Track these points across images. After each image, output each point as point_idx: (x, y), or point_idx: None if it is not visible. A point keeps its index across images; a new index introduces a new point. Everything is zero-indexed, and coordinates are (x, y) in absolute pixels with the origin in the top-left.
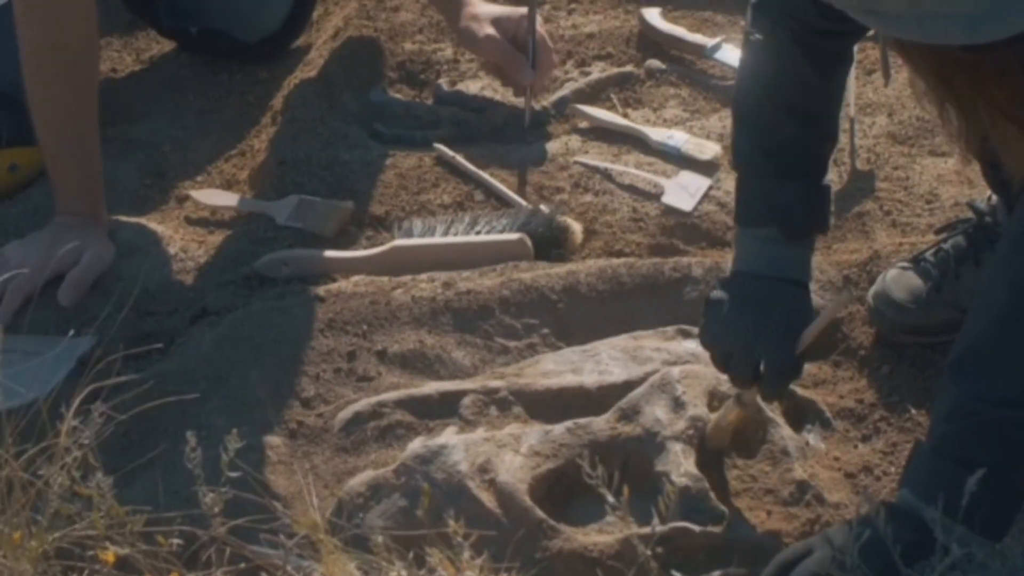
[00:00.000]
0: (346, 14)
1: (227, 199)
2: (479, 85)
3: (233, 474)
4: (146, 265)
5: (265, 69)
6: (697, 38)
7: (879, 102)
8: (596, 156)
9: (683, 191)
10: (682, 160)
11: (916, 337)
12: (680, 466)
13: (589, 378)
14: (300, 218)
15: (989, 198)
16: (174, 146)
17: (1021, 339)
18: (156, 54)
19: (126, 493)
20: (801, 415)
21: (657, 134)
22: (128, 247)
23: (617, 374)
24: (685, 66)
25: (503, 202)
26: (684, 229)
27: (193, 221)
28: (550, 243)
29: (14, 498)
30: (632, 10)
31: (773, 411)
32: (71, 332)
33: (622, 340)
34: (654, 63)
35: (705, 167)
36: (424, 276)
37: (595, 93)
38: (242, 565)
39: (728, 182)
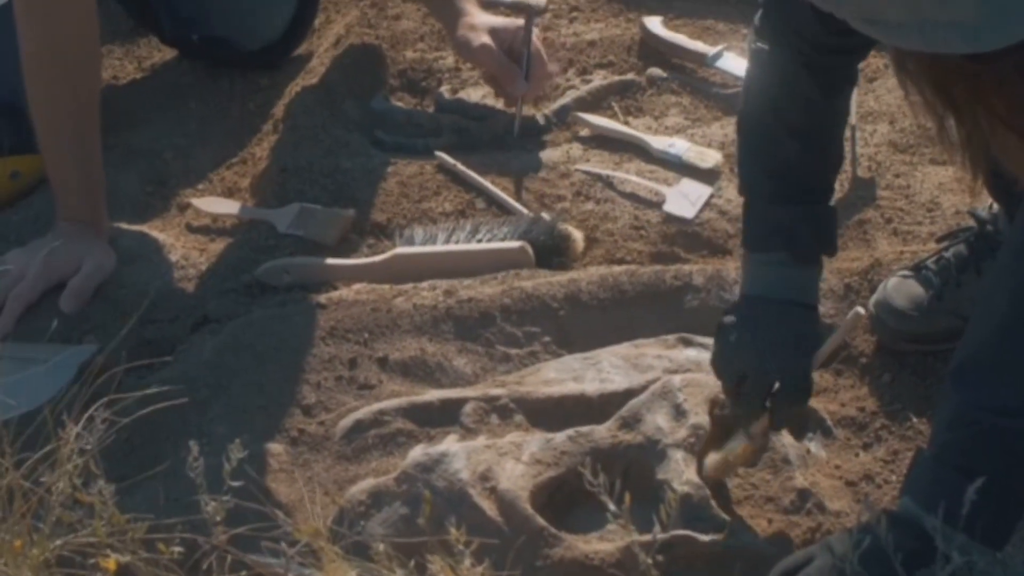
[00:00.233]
0: (348, 22)
1: (228, 207)
2: (480, 93)
3: (235, 483)
4: (147, 273)
5: (267, 77)
6: (698, 46)
7: (880, 110)
8: (597, 164)
9: (684, 199)
10: (683, 168)
11: (917, 345)
12: (681, 474)
13: (590, 386)
14: (301, 226)
15: (990, 206)
16: (175, 153)
17: (1022, 348)
18: (158, 62)
19: (127, 501)
20: (803, 424)
21: (658, 142)
22: (129, 255)
23: (618, 382)
24: (686, 74)
25: (504, 210)
26: (685, 237)
27: (194, 229)
28: (551, 251)
29: (15, 506)
30: (633, 18)
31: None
32: (73, 340)
33: (623, 348)
34: (655, 71)
35: (706, 175)
36: (425, 284)
37: (596, 101)
38: (243, 573)
39: (729, 190)
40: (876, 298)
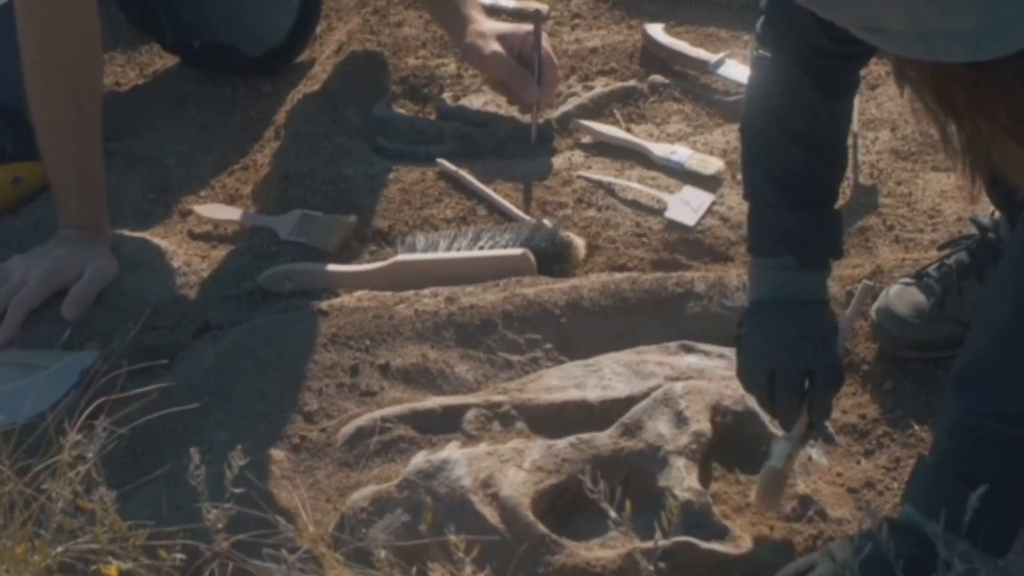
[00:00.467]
0: (350, 29)
1: (230, 213)
2: (482, 100)
3: (237, 490)
4: (149, 279)
5: (268, 83)
6: (700, 53)
7: (882, 117)
8: (599, 171)
9: (686, 206)
10: (685, 175)
11: (919, 352)
12: (683, 481)
13: (592, 393)
14: (303, 232)
15: (992, 214)
16: (177, 160)
17: None
18: (159, 68)
19: (129, 507)
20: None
21: (660, 149)
22: (131, 261)
23: (620, 389)
24: (688, 81)
25: (506, 217)
26: (687, 244)
27: (196, 235)
28: (553, 258)
29: (17, 512)
30: (635, 25)
31: (775, 426)
32: (74, 346)
33: (625, 355)
34: (657, 78)
35: (708, 182)
36: (427, 291)
37: (598, 108)
38: None
39: (731, 197)
40: (878, 305)
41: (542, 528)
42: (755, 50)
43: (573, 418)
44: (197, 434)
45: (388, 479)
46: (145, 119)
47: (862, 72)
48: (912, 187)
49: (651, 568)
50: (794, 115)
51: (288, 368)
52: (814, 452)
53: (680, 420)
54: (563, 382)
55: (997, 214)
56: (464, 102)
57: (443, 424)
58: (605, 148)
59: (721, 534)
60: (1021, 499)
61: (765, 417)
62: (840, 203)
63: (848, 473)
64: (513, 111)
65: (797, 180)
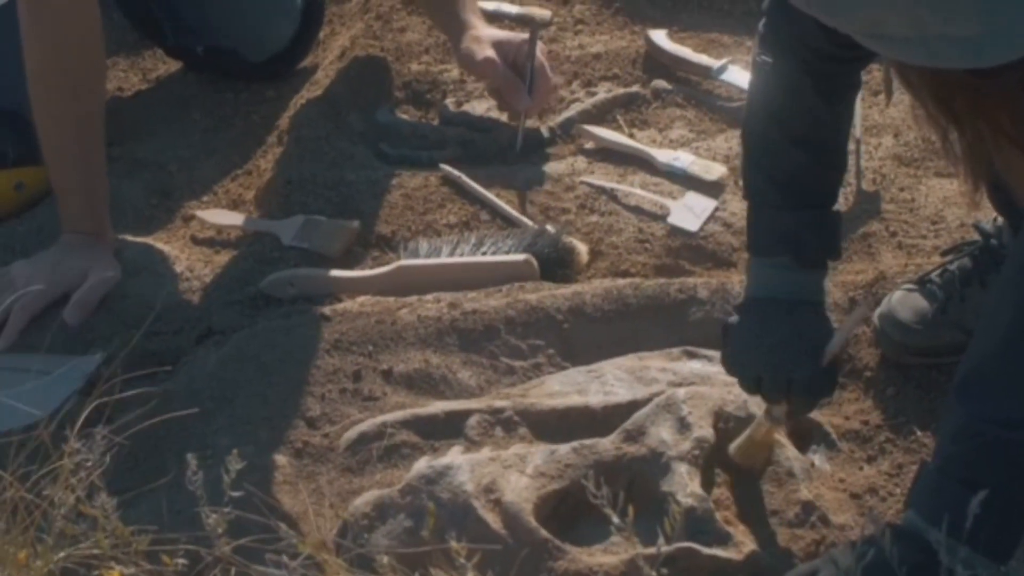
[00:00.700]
0: (353, 34)
1: (233, 219)
2: (485, 105)
3: (235, 493)
4: (152, 284)
5: (271, 89)
6: (703, 59)
7: (885, 123)
8: (602, 177)
9: (689, 212)
10: (688, 181)
11: (922, 358)
12: (685, 487)
13: (594, 399)
14: (306, 238)
15: (995, 220)
16: (180, 165)
17: None
18: (162, 73)
19: (131, 512)
20: (806, 436)
21: (663, 155)
22: (134, 266)
23: (622, 395)
24: (691, 87)
25: (509, 222)
26: (690, 250)
27: (199, 240)
28: (556, 264)
29: (19, 518)
30: (638, 31)
31: (780, 433)
32: (77, 351)
33: (627, 361)
34: (660, 84)
35: (711, 188)
36: (430, 296)
37: (601, 114)
38: None
39: (734, 203)
40: (881, 311)
41: (544, 534)
42: (757, 55)
43: (576, 424)
44: (199, 439)
45: (390, 484)
46: (148, 124)
47: (865, 78)
48: (915, 193)
49: (654, 574)
50: (795, 117)
51: (291, 373)
52: (817, 458)
53: (683, 426)
54: (566, 388)
55: (1000, 220)
56: (467, 107)
57: (446, 429)
58: (608, 154)
59: (723, 540)
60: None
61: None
62: (843, 209)
63: (851, 479)
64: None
65: (798, 182)
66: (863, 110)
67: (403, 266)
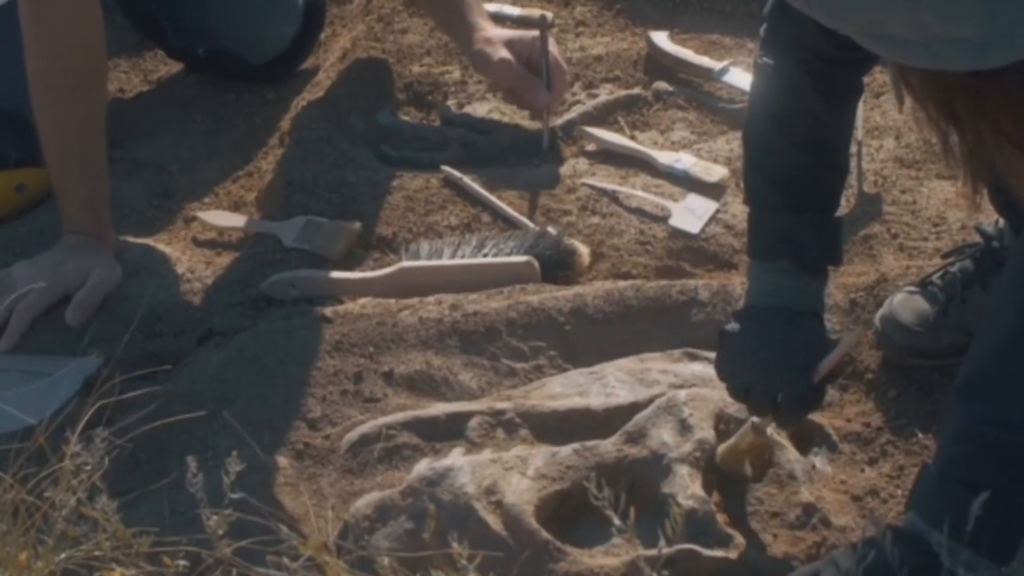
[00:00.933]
0: (354, 35)
1: (234, 220)
2: (487, 107)
3: (235, 495)
4: (153, 286)
5: (273, 90)
6: (705, 61)
7: (886, 125)
8: (603, 178)
9: (690, 214)
10: (689, 183)
11: (923, 360)
12: (687, 488)
13: (596, 400)
14: (307, 239)
15: (996, 222)
16: (181, 167)
17: None
18: (164, 75)
19: (132, 514)
20: (808, 438)
21: (664, 157)
22: (135, 268)
23: (624, 396)
24: (693, 89)
25: (510, 224)
26: (691, 252)
27: (200, 242)
28: (557, 265)
29: (20, 519)
30: (640, 33)
31: (780, 434)
32: (78, 352)
33: (629, 362)
34: (662, 85)
35: (712, 190)
36: (431, 298)
37: (603, 115)
38: None
39: (735, 205)
40: (882, 313)
41: (546, 535)
42: (759, 57)
43: (577, 425)
44: (200, 441)
45: (392, 486)
46: (149, 125)
47: (866, 80)
48: (916, 195)
49: (654, 575)
50: (796, 119)
51: (292, 375)
52: (818, 460)
53: (684, 428)
54: (567, 389)
55: (1001, 222)
56: (468, 109)
57: (447, 431)
58: (609, 156)
59: (724, 542)
60: None
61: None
62: (844, 211)
63: (852, 481)
64: (518, 118)
65: (799, 184)
66: (864, 112)
67: (404, 268)
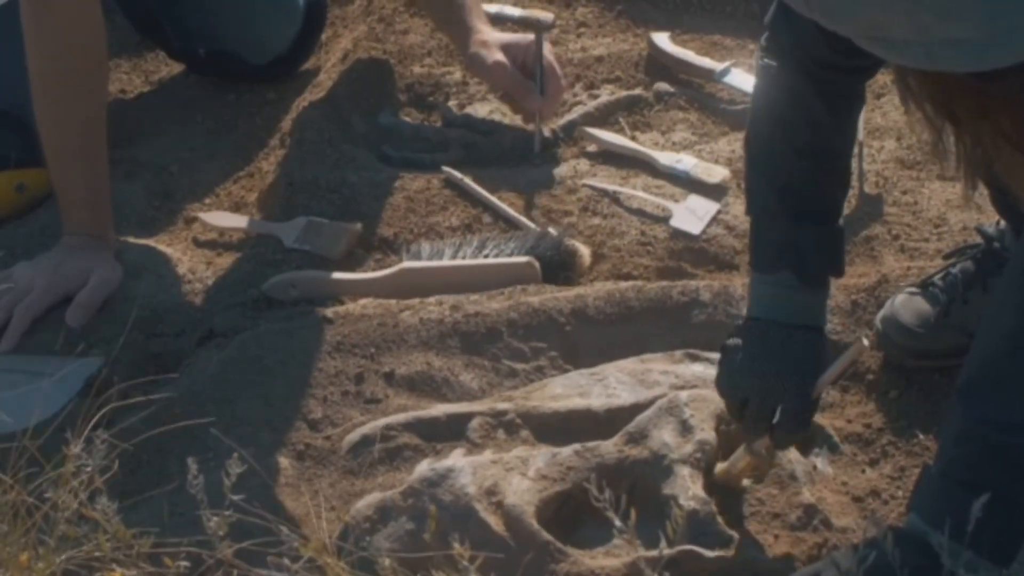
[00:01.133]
0: (355, 36)
1: (235, 221)
2: (488, 108)
3: (236, 497)
4: (154, 287)
5: (274, 91)
6: (706, 62)
7: (887, 126)
8: (604, 179)
9: (691, 215)
10: (690, 184)
11: (924, 361)
12: (688, 489)
13: (597, 401)
14: (308, 240)
15: (997, 223)
16: (182, 167)
17: None
18: (165, 76)
19: (133, 515)
20: (809, 439)
21: (665, 158)
22: (136, 268)
23: (625, 397)
24: (694, 90)
25: (511, 225)
26: (692, 253)
27: (201, 243)
28: (558, 266)
29: (20, 520)
30: (641, 34)
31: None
32: (78, 353)
33: (630, 363)
34: (663, 86)
35: (713, 191)
36: (432, 299)
37: (604, 116)
38: None
39: (736, 206)
40: (883, 314)
41: (546, 536)
42: (761, 62)
43: (578, 426)
44: (201, 442)
45: (392, 487)
46: (150, 126)
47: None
48: (917, 196)
49: None
50: (799, 129)
51: (292, 376)
52: (819, 461)
53: (685, 429)
54: (568, 390)
55: (1002, 223)
56: (469, 110)
57: (448, 432)
58: (610, 156)
59: (725, 543)
60: None
61: None
62: (845, 212)
63: (853, 482)
64: (519, 120)
65: (800, 194)
66: (865, 113)
67: (405, 268)
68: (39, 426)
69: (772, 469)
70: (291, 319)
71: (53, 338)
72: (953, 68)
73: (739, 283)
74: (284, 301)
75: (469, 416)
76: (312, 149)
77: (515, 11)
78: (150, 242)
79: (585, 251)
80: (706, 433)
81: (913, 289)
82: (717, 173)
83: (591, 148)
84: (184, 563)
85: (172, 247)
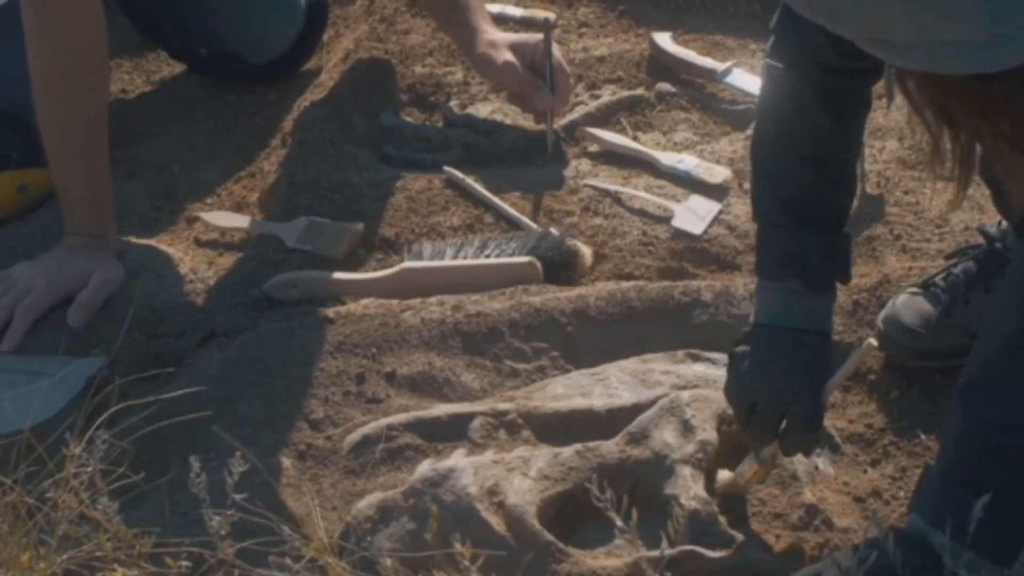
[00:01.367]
0: (356, 36)
1: (237, 221)
2: (489, 108)
3: (238, 496)
4: (155, 286)
5: (275, 91)
6: (707, 62)
7: (889, 126)
8: (606, 179)
9: (693, 215)
10: (692, 184)
11: (925, 362)
12: (689, 489)
13: (598, 401)
14: (309, 240)
15: (999, 223)
16: (183, 167)
17: None
18: (166, 76)
19: (134, 515)
20: (815, 443)
21: (667, 158)
22: (137, 268)
23: (626, 397)
24: (695, 90)
25: (513, 225)
26: (694, 253)
27: (202, 243)
28: (560, 266)
29: (21, 520)
30: (643, 34)
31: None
32: (80, 353)
33: (631, 363)
34: (664, 87)
35: (715, 191)
36: (434, 299)
37: (605, 116)
38: None
39: (738, 206)
40: (884, 314)
41: (548, 536)
42: (766, 66)
43: (579, 427)
44: (202, 442)
45: (394, 487)
46: (151, 126)
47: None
48: (919, 196)
49: None
50: (805, 136)
51: (294, 376)
52: (821, 461)
53: (686, 429)
54: (569, 390)
55: (1004, 224)
56: (471, 110)
57: (449, 432)
58: (612, 156)
59: (727, 543)
60: None
61: None
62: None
63: (854, 482)
64: (520, 120)
65: (804, 201)
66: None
67: (407, 268)
68: (39, 426)
69: (774, 469)
70: (292, 319)
71: (54, 338)
72: (954, 70)
73: (741, 283)
74: (285, 301)
75: (470, 416)
76: (313, 149)
77: (517, 11)
78: (151, 242)
79: (587, 251)
80: (708, 433)
81: (915, 289)
82: (719, 173)
83: (593, 148)
84: (185, 563)
85: (173, 247)
